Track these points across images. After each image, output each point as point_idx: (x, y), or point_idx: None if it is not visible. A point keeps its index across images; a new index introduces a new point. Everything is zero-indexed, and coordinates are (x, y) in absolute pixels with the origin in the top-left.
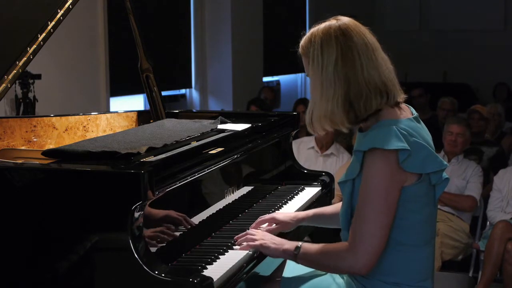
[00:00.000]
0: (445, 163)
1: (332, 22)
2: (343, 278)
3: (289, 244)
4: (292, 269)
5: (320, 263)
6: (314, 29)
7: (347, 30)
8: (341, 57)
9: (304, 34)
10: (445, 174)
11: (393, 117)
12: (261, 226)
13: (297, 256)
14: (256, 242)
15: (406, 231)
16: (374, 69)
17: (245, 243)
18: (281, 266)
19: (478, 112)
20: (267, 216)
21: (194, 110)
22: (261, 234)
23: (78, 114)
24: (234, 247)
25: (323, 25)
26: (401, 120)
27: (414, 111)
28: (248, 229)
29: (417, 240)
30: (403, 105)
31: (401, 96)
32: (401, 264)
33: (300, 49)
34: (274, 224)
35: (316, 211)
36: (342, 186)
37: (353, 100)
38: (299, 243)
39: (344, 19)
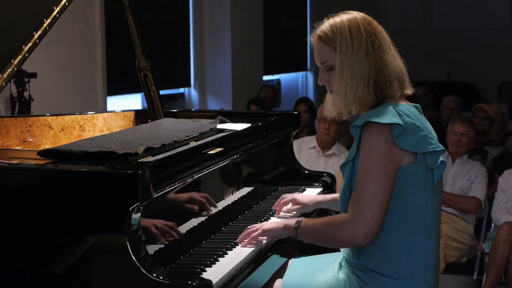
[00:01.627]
0: (441, 146)
1: (353, 13)
2: (344, 273)
3: (289, 221)
4: (293, 270)
5: (321, 235)
6: (336, 19)
7: (371, 20)
8: (371, 43)
9: (316, 27)
10: (441, 158)
11: (393, 102)
12: (283, 208)
13: (298, 229)
14: (258, 232)
15: (404, 216)
16: (395, 57)
17: (248, 238)
18: (282, 268)
19: (483, 110)
20: (289, 196)
21: (193, 110)
22: (259, 224)
23: (74, 114)
24: (233, 249)
25: (345, 16)
26: (401, 104)
27: (417, 105)
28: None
29: (415, 227)
30: (408, 102)
31: (410, 89)
32: (400, 253)
33: (319, 35)
34: (295, 206)
35: (335, 196)
36: (343, 168)
37: (383, 83)
38: (300, 218)
39: (361, 13)
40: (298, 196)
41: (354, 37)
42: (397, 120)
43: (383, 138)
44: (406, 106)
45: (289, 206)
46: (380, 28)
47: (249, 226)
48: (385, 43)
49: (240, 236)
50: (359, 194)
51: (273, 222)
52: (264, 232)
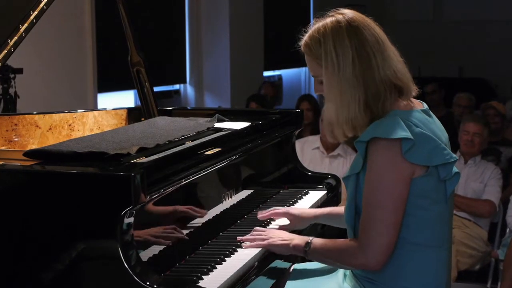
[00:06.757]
0: (454, 155)
1: (338, 17)
2: (349, 283)
3: (298, 239)
4: (296, 279)
5: (332, 260)
6: (320, 26)
7: (357, 27)
8: (357, 57)
9: (306, 31)
10: (455, 169)
11: (400, 108)
12: (272, 223)
13: (307, 252)
14: (264, 242)
15: (415, 229)
16: (388, 66)
17: (253, 243)
18: (284, 276)
19: (493, 107)
20: (281, 209)
21: (189, 108)
22: (268, 232)
23: (63, 112)
24: (232, 255)
25: (329, 22)
26: (408, 111)
27: (425, 105)
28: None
29: (427, 240)
30: (415, 100)
31: (415, 90)
32: (412, 266)
33: (305, 48)
34: (287, 221)
35: (332, 209)
36: (346, 181)
37: (371, 101)
38: (310, 239)
39: (349, 14)
40: (292, 210)
41: (340, 53)
42: (406, 134)
43: (392, 154)
44: (413, 114)
45: (282, 219)
46: (370, 34)
47: (257, 228)
48: (374, 50)
49: (245, 237)
50: (368, 221)
51: (282, 236)
52: (270, 246)
